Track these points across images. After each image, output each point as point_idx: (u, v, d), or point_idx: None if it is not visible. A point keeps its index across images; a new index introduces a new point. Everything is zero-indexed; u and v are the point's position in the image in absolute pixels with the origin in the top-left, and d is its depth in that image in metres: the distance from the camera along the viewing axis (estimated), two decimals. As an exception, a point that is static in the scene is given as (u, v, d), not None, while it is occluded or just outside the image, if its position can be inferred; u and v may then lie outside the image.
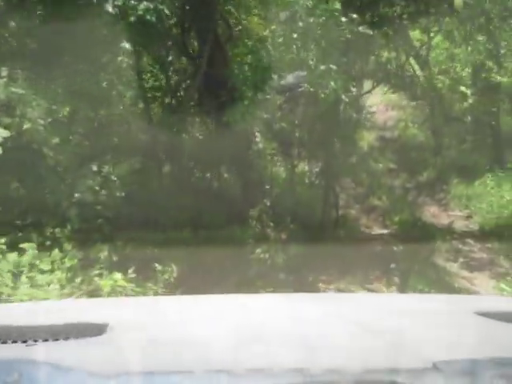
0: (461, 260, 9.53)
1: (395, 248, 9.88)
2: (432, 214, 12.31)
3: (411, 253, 9.35)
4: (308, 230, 8.66)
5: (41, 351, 1.23)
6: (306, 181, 11.10)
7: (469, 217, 12.01)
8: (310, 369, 1.09)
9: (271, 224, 8.64)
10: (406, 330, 1.42)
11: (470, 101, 14.68)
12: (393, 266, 8.65)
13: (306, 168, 11.23)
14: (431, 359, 1.12)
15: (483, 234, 10.83)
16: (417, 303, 1.89)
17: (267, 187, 9.71)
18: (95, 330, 1.33)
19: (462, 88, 15.48)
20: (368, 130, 17.14)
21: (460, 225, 11.67)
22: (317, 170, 11.11)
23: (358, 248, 9.33)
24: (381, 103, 19.52)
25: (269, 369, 1.09)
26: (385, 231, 11.15)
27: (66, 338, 1.31)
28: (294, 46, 8.70)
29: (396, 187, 13.78)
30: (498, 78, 12.85)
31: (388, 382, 1.06)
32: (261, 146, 10.46)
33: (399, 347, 1.27)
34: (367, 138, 16.53)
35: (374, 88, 17.21)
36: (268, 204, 9.24)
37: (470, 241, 10.57)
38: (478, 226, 11.34)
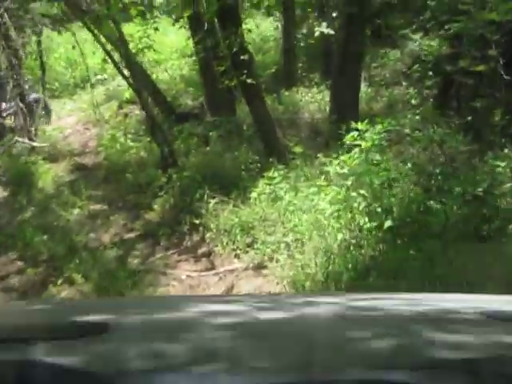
0: None
1: None
2: (194, 283, 5.68)
3: None
4: None
5: (40, 351, 1.15)
6: None
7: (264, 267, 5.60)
8: (310, 368, 1.06)
9: None
10: (407, 330, 1.35)
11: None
12: None
13: None
14: (432, 359, 1.11)
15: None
16: (418, 302, 1.80)
17: None
18: (95, 329, 1.29)
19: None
20: (55, 161, 10.22)
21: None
22: None
23: None
24: (78, 122, 12.88)
25: (268, 368, 1.07)
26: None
27: (66, 338, 1.25)
28: None
29: (122, 242, 6.95)
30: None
31: (388, 382, 1.04)
32: None
33: (400, 347, 1.20)
34: (51, 174, 9.50)
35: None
36: None
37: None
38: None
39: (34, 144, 10.18)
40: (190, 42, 11.37)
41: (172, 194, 7.24)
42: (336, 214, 5.14)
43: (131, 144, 9.92)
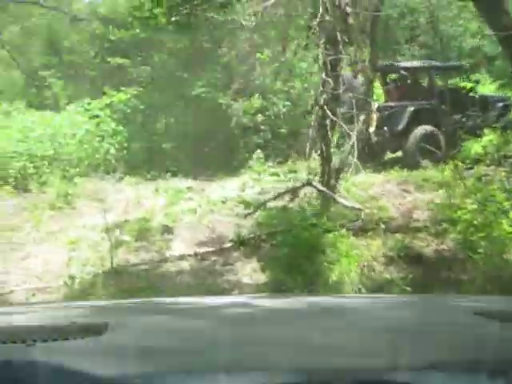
0: None
1: None
2: None
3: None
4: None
5: (40, 352, 1.15)
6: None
7: None
8: (310, 369, 1.06)
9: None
10: (406, 330, 1.38)
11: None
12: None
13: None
14: (431, 359, 1.10)
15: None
16: (417, 303, 1.86)
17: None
18: (94, 330, 1.29)
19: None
20: (361, 234, 5.73)
21: None
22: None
23: None
24: (388, 180, 8.49)
25: (267, 369, 1.06)
26: None
27: (65, 339, 1.25)
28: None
29: None
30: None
31: (387, 382, 1.04)
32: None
33: (399, 347, 1.20)
34: (359, 261, 4.89)
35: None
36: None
37: None
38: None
39: (340, 200, 5.72)
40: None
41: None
42: None
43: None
